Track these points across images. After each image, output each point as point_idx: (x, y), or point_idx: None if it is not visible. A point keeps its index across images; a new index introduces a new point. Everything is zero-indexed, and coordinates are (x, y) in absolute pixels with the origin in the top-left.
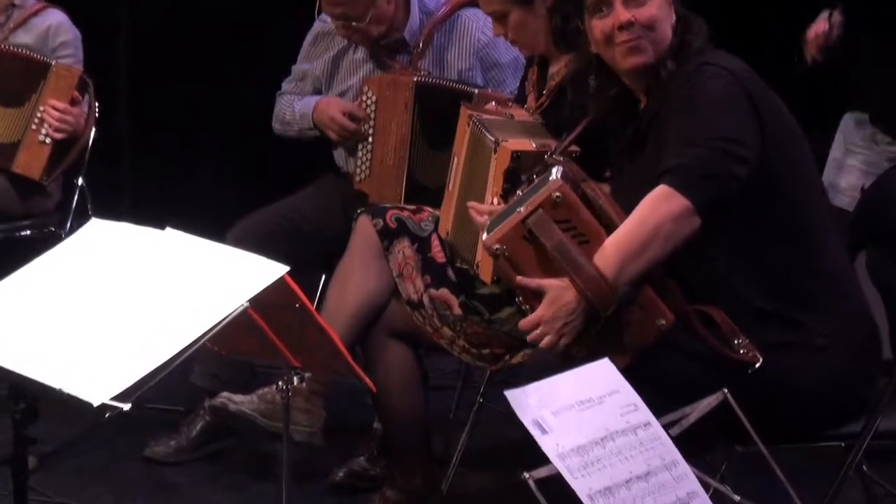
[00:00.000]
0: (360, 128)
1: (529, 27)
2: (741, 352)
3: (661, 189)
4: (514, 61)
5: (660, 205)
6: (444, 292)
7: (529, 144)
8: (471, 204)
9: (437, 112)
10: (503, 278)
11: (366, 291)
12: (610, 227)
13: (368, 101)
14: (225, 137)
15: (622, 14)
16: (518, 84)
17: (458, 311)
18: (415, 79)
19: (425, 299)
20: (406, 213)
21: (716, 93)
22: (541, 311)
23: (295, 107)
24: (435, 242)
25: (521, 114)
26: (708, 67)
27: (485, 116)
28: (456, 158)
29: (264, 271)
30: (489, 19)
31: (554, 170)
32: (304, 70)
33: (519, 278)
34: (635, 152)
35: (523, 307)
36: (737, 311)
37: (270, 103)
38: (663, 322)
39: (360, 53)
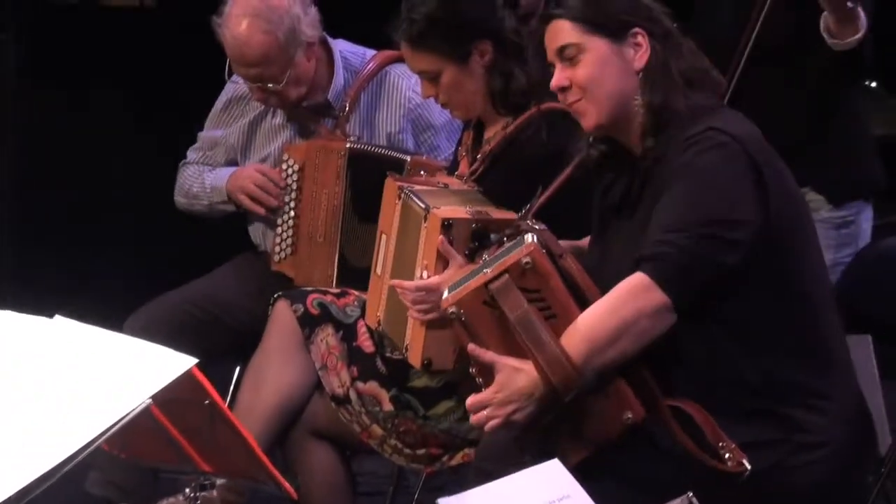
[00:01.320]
0: (279, 192)
1: (465, 88)
2: (727, 458)
3: (639, 279)
4: (448, 123)
5: (636, 297)
6: (373, 386)
7: (463, 211)
8: (395, 283)
9: (369, 182)
10: (458, 343)
11: (285, 386)
12: (583, 305)
13: (290, 171)
14: (124, 213)
15: (554, 78)
16: (454, 148)
17: (389, 406)
18: (347, 144)
19: (352, 394)
20: (329, 298)
21: (715, 166)
22: (491, 391)
23: (205, 179)
24: (362, 330)
25: (454, 182)
26: (712, 133)
27: (416, 187)
28: (384, 237)
29: (169, 364)
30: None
31: (528, 235)
32: (215, 138)
33: (471, 346)
34: (624, 212)
35: (477, 380)
36: (720, 407)
37: (175, 175)
38: (630, 416)
39: (279, 118)
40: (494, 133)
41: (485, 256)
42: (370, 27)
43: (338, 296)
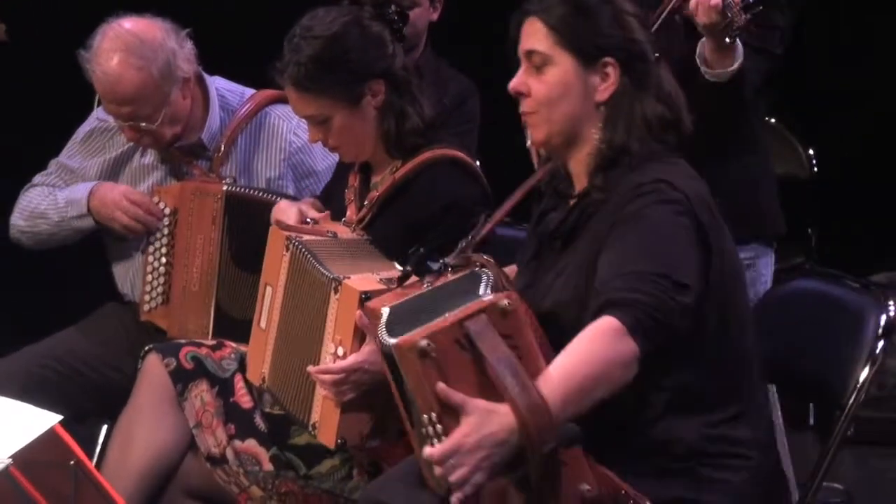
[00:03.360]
0: (153, 220)
1: (356, 131)
2: None
3: (611, 325)
4: (331, 168)
5: (613, 344)
6: (251, 444)
7: (374, 280)
8: (315, 369)
9: (247, 228)
10: (417, 385)
11: (156, 445)
12: (548, 357)
13: (160, 215)
14: None
15: (515, 78)
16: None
17: (268, 465)
18: (224, 187)
19: (229, 453)
20: (204, 351)
21: (668, 221)
22: (461, 435)
23: (58, 195)
24: (239, 384)
25: (342, 230)
26: (663, 187)
27: (305, 238)
28: (270, 289)
29: (30, 422)
30: (303, 120)
31: (483, 275)
32: (72, 168)
33: (441, 386)
34: (555, 245)
35: (433, 427)
36: (638, 466)
37: None
38: (588, 488)
39: (149, 157)
40: (382, 177)
41: (426, 284)
42: (251, 64)
43: (213, 348)
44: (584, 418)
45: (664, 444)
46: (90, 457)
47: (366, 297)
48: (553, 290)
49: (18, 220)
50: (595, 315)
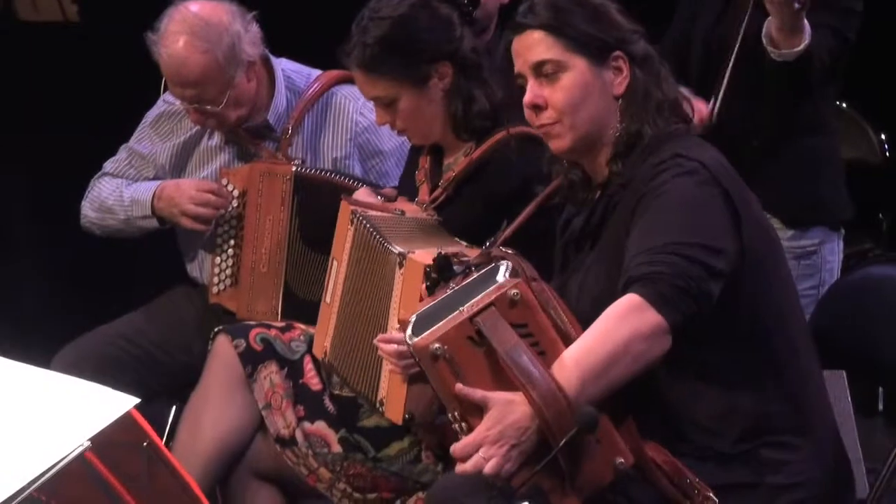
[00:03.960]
0: (225, 202)
1: (423, 113)
2: (697, 498)
3: (631, 300)
4: (398, 148)
5: (629, 318)
6: (320, 426)
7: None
8: (381, 337)
9: (316, 209)
10: (443, 386)
11: (226, 426)
12: (567, 339)
13: (229, 197)
14: (48, 241)
15: (529, 93)
16: (402, 174)
17: (337, 448)
18: (293, 168)
19: (298, 435)
20: (273, 332)
21: (689, 191)
22: (484, 429)
23: (124, 191)
24: (308, 366)
25: (411, 209)
26: (680, 160)
27: (371, 213)
28: (336, 263)
29: (106, 404)
30: (370, 101)
31: (503, 265)
32: (142, 153)
33: (458, 386)
34: (584, 245)
35: (459, 424)
36: (685, 449)
37: None
38: (622, 461)
39: (216, 140)
40: (456, 159)
41: (451, 286)
42: (317, 46)
43: (282, 330)
44: (633, 405)
45: (704, 425)
46: (160, 437)
47: (430, 270)
48: (586, 287)
49: (88, 210)
50: (621, 293)
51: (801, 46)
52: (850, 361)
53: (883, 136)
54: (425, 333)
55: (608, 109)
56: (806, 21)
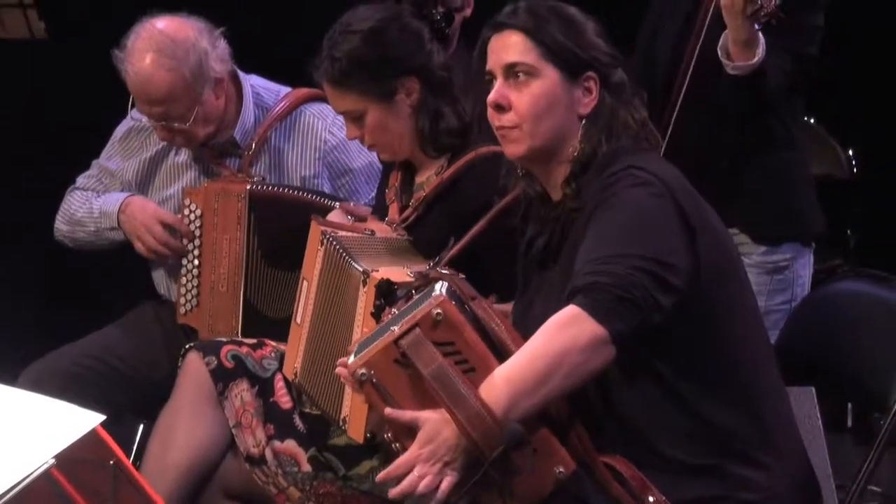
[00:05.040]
0: (182, 246)
1: (391, 128)
2: None
3: (570, 311)
4: (367, 166)
5: (565, 329)
6: (290, 445)
7: (404, 274)
8: (340, 362)
9: (276, 226)
10: (371, 406)
11: (196, 444)
12: (504, 355)
13: (192, 216)
14: (14, 257)
15: (495, 93)
16: (374, 192)
17: (307, 467)
18: (248, 186)
19: (268, 453)
20: (245, 350)
21: (641, 202)
22: (416, 449)
23: (93, 203)
24: (279, 384)
25: (382, 228)
26: (634, 171)
27: (341, 234)
28: (306, 283)
29: (72, 421)
30: (339, 117)
31: (437, 285)
32: (111, 169)
33: (388, 410)
34: (547, 264)
35: (394, 445)
36: (652, 462)
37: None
38: (562, 470)
39: (183, 156)
40: (427, 178)
41: (393, 311)
42: (289, 62)
43: (254, 347)
44: (597, 418)
45: (669, 439)
46: (127, 455)
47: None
48: (550, 308)
49: (61, 223)
50: (563, 307)
51: (755, 60)
52: (820, 378)
53: (850, 152)
54: (356, 358)
55: (570, 127)
56: (761, 36)
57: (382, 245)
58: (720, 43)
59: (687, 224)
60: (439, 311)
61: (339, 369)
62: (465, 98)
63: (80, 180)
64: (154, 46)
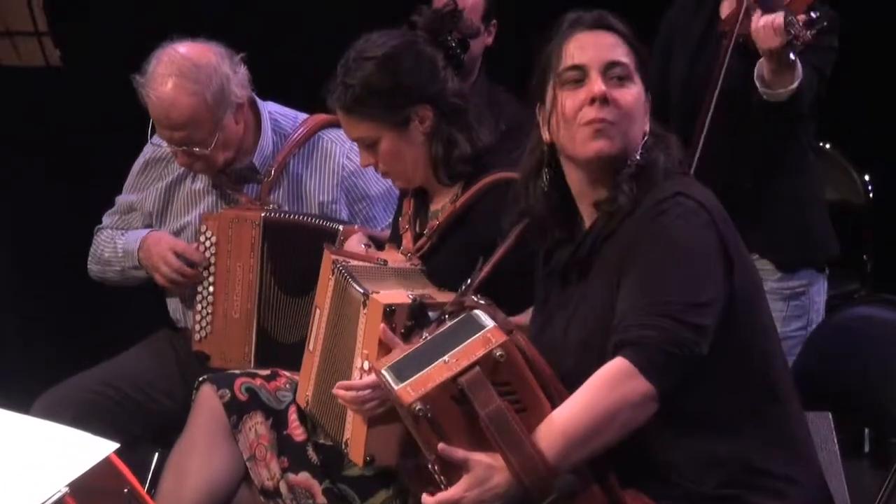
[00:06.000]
0: (197, 273)
1: (404, 156)
2: None
3: (622, 366)
4: (385, 193)
5: (619, 387)
6: (304, 477)
7: (405, 296)
8: (340, 384)
9: (290, 253)
10: (423, 441)
11: (210, 477)
12: (548, 394)
13: (208, 243)
14: (31, 285)
15: (597, 85)
16: (391, 219)
17: (322, 499)
18: (262, 214)
19: (282, 486)
20: (258, 382)
21: (687, 237)
22: (461, 490)
23: (117, 242)
24: (293, 416)
25: (396, 258)
26: (681, 200)
27: (352, 263)
28: (318, 312)
29: (85, 449)
30: (356, 143)
31: (482, 317)
32: (132, 202)
33: (441, 446)
34: (571, 279)
35: (438, 476)
36: (671, 493)
37: (88, 244)
38: None
39: (200, 183)
40: (442, 206)
41: (424, 335)
42: (304, 89)
43: (267, 378)
44: (615, 450)
45: (697, 470)
46: (142, 483)
47: (390, 310)
48: (575, 322)
49: (92, 264)
50: (611, 355)
51: (794, 85)
52: (836, 403)
53: (867, 177)
54: (406, 386)
55: (639, 140)
56: (798, 61)
57: (393, 274)
58: (756, 73)
59: (727, 255)
60: (502, 353)
61: (337, 391)
62: (480, 125)
63: (106, 219)
64: (176, 71)
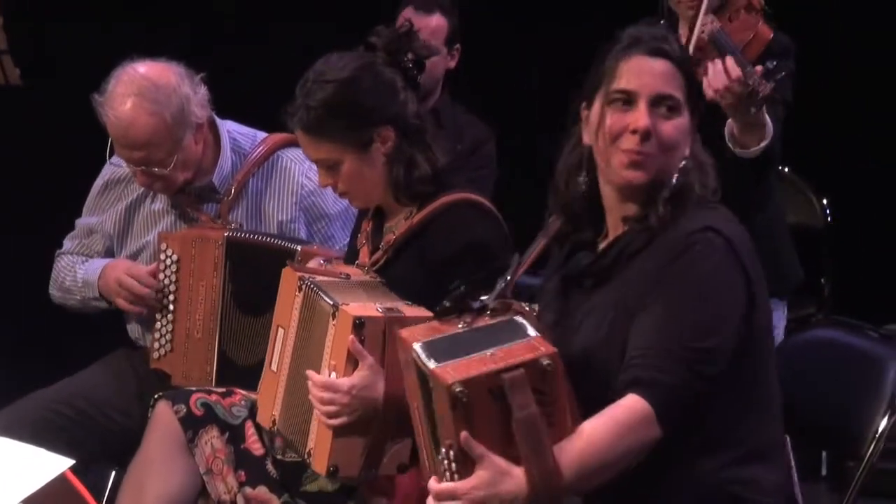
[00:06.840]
0: (153, 295)
1: (365, 177)
2: None
3: (644, 410)
4: (343, 212)
5: (640, 430)
6: (262, 491)
7: (373, 308)
8: (309, 373)
9: (251, 273)
10: (447, 425)
11: (167, 492)
12: (575, 418)
13: (168, 261)
14: None
15: (642, 118)
16: (349, 238)
17: None
18: (225, 233)
19: (240, 500)
20: (214, 397)
21: (715, 280)
22: (470, 486)
23: (77, 272)
24: (250, 431)
25: (354, 272)
26: (711, 237)
27: (318, 278)
28: (281, 331)
29: (40, 466)
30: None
31: (525, 323)
32: (91, 225)
33: (465, 435)
34: (584, 283)
35: (447, 461)
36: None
37: (47, 263)
38: None
39: (160, 203)
40: (397, 222)
41: (461, 324)
42: (263, 108)
43: (223, 395)
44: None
45: (688, 485)
46: (98, 502)
47: (359, 322)
48: (583, 330)
49: (54, 290)
50: (624, 387)
51: (766, 142)
52: (794, 426)
53: (825, 201)
54: (447, 367)
55: (679, 160)
56: (766, 116)
57: (359, 287)
58: (727, 132)
59: (750, 296)
60: (550, 363)
61: (317, 393)
62: (436, 146)
63: (66, 243)
64: (136, 90)
